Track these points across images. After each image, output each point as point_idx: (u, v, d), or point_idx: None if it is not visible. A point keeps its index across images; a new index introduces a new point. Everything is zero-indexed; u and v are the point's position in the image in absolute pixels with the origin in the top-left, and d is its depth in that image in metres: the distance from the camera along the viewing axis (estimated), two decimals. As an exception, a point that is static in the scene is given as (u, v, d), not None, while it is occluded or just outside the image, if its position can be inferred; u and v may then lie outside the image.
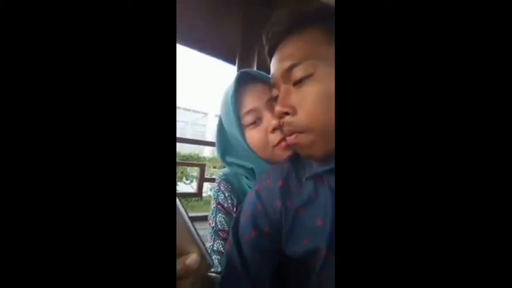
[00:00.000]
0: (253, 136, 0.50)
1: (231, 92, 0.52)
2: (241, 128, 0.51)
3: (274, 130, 0.48)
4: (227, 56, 1.28)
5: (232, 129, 0.52)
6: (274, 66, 0.37)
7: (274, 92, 0.40)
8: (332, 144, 0.32)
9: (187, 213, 0.23)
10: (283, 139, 0.47)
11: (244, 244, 0.35)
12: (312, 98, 0.33)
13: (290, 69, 0.34)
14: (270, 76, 0.41)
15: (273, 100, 0.50)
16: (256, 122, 0.50)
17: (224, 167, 0.59)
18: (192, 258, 0.23)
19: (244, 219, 0.38)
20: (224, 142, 0.56)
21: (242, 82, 0.53)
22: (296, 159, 0.41)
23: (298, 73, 0.33)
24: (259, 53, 1.10)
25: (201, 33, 1.07)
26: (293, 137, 0.36)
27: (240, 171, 0.55)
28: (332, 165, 0.32)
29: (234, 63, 1.23)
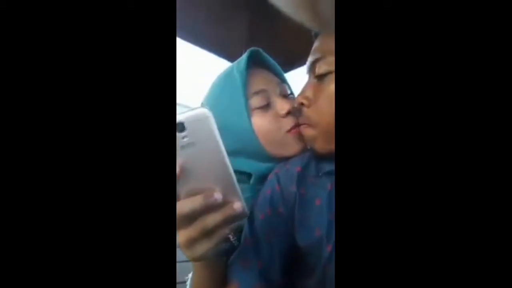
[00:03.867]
0: (262, 121, 0.43)
1: (241, 66, 0.43)
2: (248, 110, 0.43)
3: (288, 113, 0.43)
4: (231, 55, 1.27)
5: (233, 112, 0.43)
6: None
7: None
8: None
9: (231, 165, 0.24)
10: (298, 124, 0.42)
11: (259, 223, 0.35)
12: (325, 95, 0.33)
13: (315, 62, 0.35)
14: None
15: (281, 86, 0.46)
16: (265, 107, 0.43)
17: None
18: (238, 204, 0.25)
19: (262, 199, 0.38)
20: None
21: (252, 60, 0.45)
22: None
23: (321, 67, 0.34)
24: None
25: (206, 30, 1.06)
26: (302, 127, 0.36)
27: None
28: None
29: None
